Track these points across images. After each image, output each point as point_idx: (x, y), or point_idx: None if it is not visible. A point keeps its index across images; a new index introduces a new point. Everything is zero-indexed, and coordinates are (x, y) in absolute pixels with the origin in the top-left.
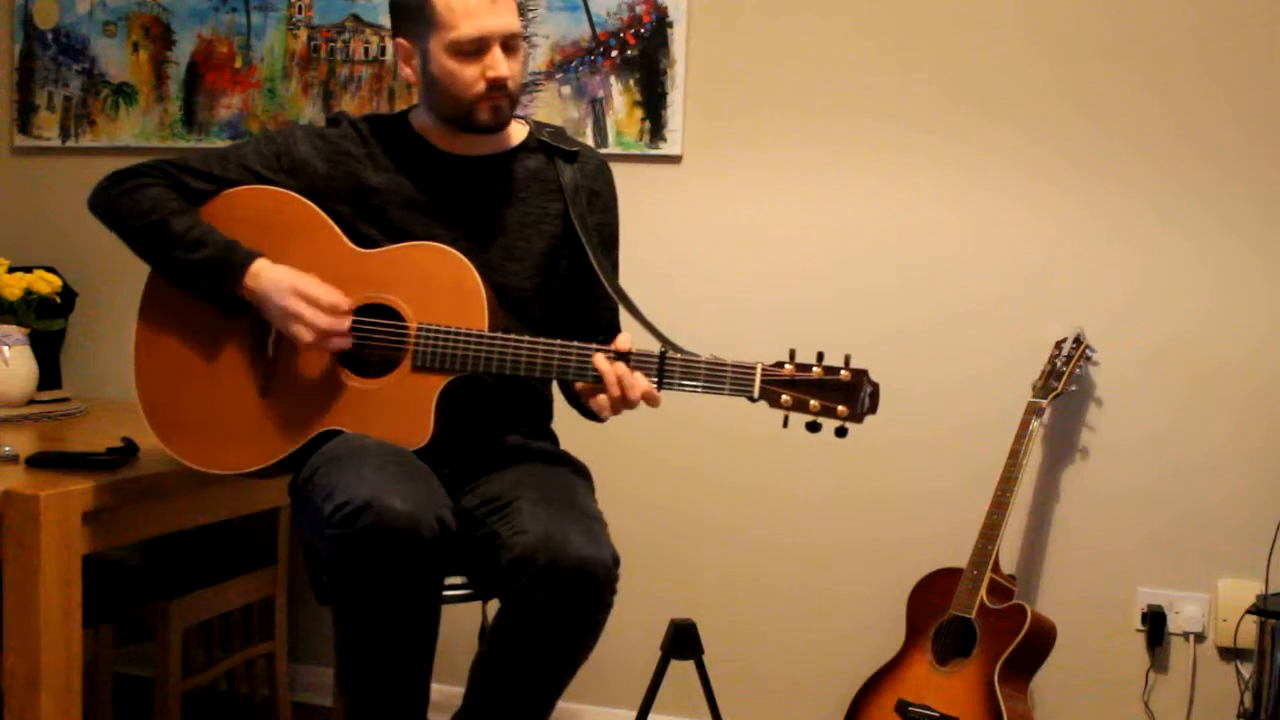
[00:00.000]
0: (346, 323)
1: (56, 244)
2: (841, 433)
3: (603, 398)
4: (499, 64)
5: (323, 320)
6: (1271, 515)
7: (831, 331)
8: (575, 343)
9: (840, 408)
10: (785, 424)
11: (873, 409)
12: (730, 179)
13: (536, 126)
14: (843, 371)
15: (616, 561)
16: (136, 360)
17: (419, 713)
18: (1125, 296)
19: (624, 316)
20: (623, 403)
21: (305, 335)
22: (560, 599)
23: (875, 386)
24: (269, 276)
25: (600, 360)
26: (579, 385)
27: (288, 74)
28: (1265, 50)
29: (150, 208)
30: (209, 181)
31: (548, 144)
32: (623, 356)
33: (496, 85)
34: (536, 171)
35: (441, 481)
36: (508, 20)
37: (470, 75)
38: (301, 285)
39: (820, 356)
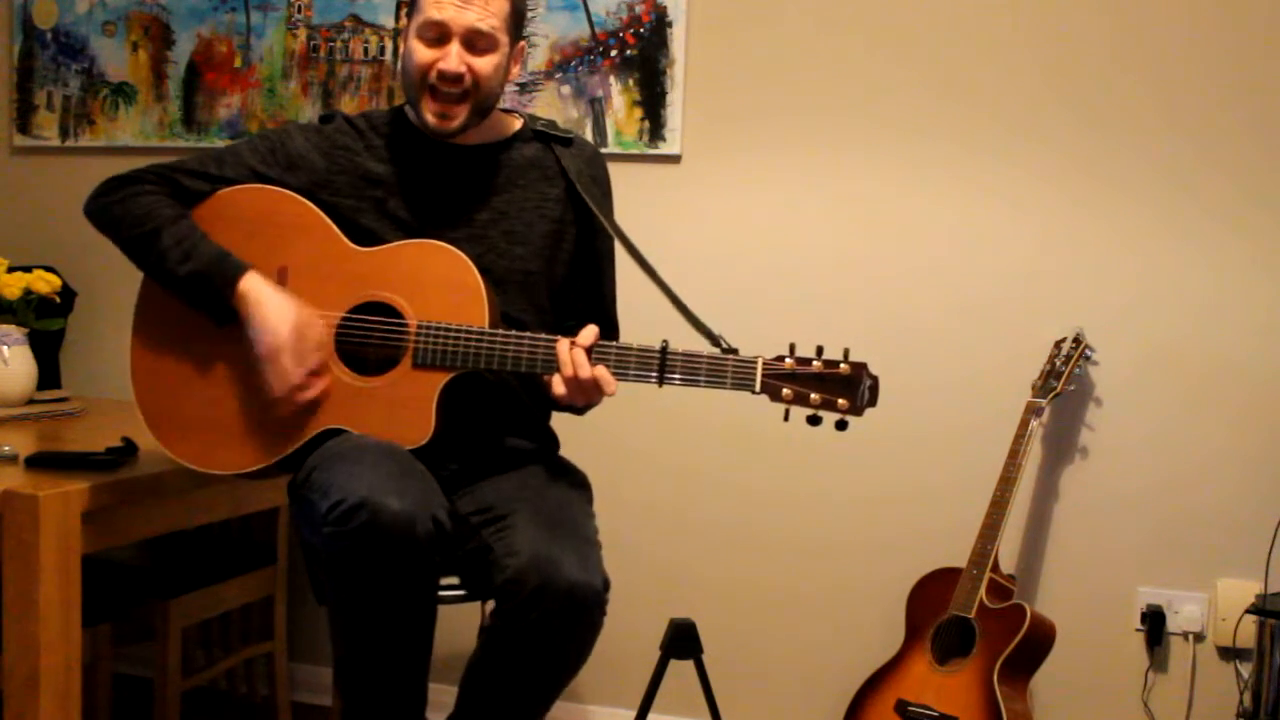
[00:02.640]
0: (311, 393)
1: (56, 244)
2: (842, 425)
3: (557, 378)
4: (450, 56)
5: (281, 389)
6: (1271, 515)
7: (831, 331)
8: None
9: (841, 400)
10: (786, 417)
11: (873, 401)
12: (729, 179)
13: (530, 119)
14: (842, 365)
15: (606, 585)
16: (133, 362)
17: (417, 712)
18: (1125, 296)
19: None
20: (575, 383)
21: (276, 386)
22: (550, 621)
23: (875, 379)
24: (258, 311)
25: (561, 345)
26: (546, 378)
27: (287, 74)
28: (1264, 50)
29: (143, 217)
30: (205, 181)
31: (543, 132)
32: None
33: (444, 77)
34: (534, 158)
35: (440, 481)
36: (471, 18)
37: (423, 59)
38: (279, 342)
39: (820, 350)
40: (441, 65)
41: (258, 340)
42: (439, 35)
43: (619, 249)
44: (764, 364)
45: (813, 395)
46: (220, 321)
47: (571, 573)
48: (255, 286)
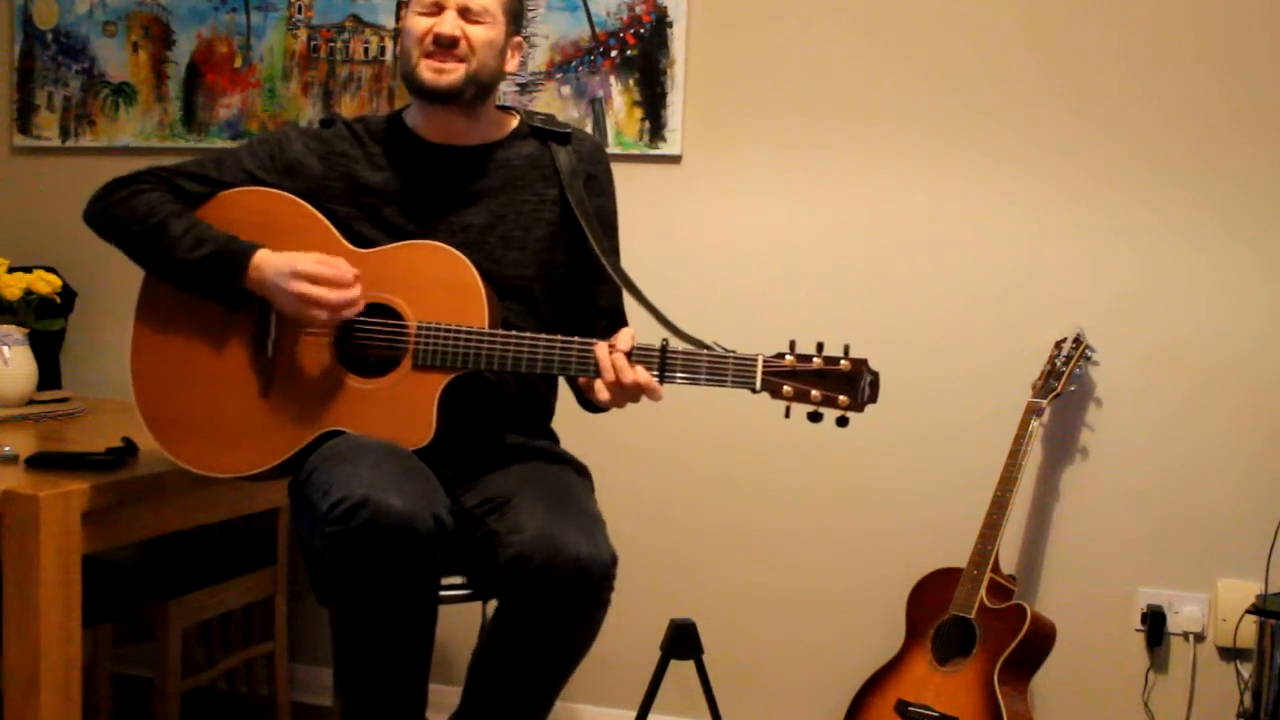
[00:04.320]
0: (356, 290)
1: (56, 244)
2: (843, 422)
3: (599, 384)
4: (445, 21)
5: (333, 296)
6: (1271, 515)
7: (831, 332)
8: (576, 338)
9: (841, 397)
10: (787, 414)
11: (873, 398)
12: (730, 179)
13: (528, 115)
14: (842, 361)
15: (614, 560)
16: (133, 365)
17: (417, 712)
18: (1125, 297)
19: (628, 301)
20: (618, 387)
21: (319, 315)
22: (558, 597)
23: (875, 375)
24: (271, 265)
25: (600, 350)
26: (582, 380)
27: (287, 74)
28: (1264, 50)
29: (147, 212)
30: (204, 184)
31: (540, 129)
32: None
33: (440, 41)
34: (531, 158)
35: (442, 481)
36: None
37: (420, 29)
38: (302, 266)
39: (820, 347)
40: (437, 29)
41: (283, 285)
42: (435, 7)
43: (621, 246)
44: (764, 361)
45: (813, 392)
46: (234, 305)
47: (578, 546)
48: (268, 257)
